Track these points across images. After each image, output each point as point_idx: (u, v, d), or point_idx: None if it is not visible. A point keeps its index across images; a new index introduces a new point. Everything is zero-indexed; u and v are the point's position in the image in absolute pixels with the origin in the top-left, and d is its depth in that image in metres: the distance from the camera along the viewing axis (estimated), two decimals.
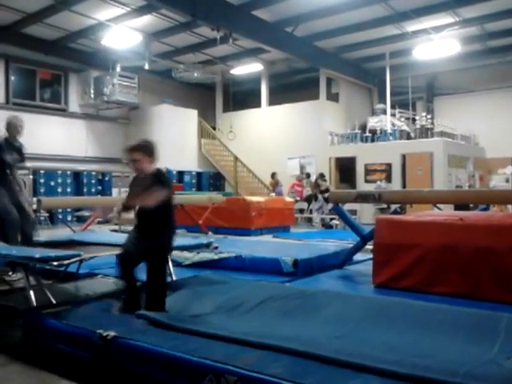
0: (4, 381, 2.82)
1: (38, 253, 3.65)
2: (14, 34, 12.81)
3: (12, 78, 14.09)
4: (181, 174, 16.14)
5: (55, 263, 3.54)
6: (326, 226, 12.86)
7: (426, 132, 14.10)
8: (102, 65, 14.84)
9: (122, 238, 4.50)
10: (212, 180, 17.38)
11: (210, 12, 10.98)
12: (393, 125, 14.77)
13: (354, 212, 11.68)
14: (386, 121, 14.89)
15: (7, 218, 5.24)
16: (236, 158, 16.48)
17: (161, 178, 3.29)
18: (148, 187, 3.19)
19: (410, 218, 5.16)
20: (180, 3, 10.63)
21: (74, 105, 15.43)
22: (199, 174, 16.92)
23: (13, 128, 5.46)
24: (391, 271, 4.56)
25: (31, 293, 3.57)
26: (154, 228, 3.31)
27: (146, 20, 12.20)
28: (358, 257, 5.95)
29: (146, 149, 3.26)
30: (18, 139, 5.57)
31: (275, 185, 14.89)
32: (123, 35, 12.59)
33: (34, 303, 3.52)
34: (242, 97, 17.75)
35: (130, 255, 3.33)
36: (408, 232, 4.63)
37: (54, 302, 3.66)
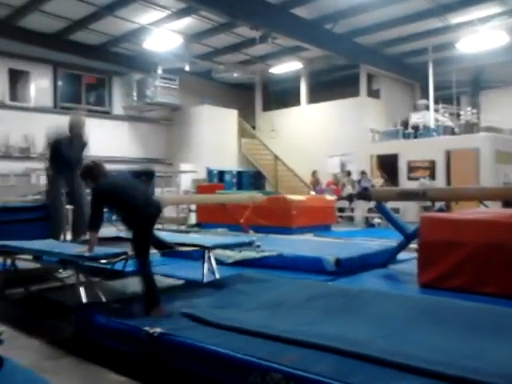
0: (59, 374, 2.95)
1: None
2: (61, 41, 13.33)
3: (59, 83, 14.62)
4: (221, 173, 16.29)
5: (103, 261, 3.67)
6: (369, 224, 12.67)
7: (471, 127, 13.64)
8: (144, 67, 15.19)
9: (165, 236, 4.61)
10: (253, 179, 17.43)
11: (249, 12, 11.04)
12: (436, 120, 14.37)
13: (396, 210, 11.44)
14: (428, 116, 14.50)
15: (53, 215, 5.58)
16: (276, 157, 16.49)
17: (91, 194, 3.92)
18: None
19: (456, 215, 5.03)
20: (219, 4, 10.74)
21: (117, 107, 15.85)
22: (240, 174, 17.02)
23: (75, 126, 5.78)
24: (437, 270, 4.46)
25: (81, 290, 3.71)
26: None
27: (186, 22, 12.38)
28: (401, 256, 5.83)
29: (85, 173, 3.92)
30: (83, 137, 5.91)
31: (316, 183, 14.78)
32: (164, 38, 12.85)
33: (85, 300, 3.66)
34: (282, 95, 17.72)
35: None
36: (454, 230, 4.51)
37: (103, 299, 3.79)
